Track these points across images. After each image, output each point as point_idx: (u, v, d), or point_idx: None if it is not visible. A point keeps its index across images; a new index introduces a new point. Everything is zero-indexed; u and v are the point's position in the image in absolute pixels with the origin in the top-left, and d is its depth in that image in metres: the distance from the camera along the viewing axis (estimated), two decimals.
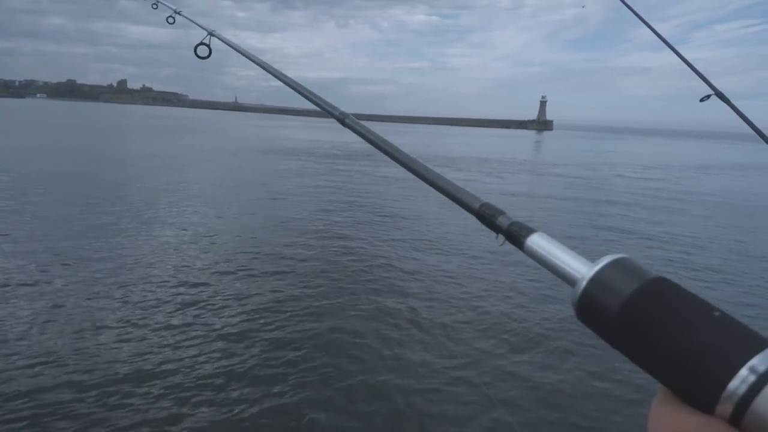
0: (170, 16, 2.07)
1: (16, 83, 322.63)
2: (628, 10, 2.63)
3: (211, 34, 1.63)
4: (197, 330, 5.21)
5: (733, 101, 2.46)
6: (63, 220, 9.30)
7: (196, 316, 5.57)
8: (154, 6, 2.25)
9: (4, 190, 11.90)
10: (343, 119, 0.93)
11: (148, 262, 7.29)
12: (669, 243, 9.91)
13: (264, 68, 1.26)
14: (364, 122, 0.82)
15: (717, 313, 0.31)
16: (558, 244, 0.41)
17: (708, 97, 2.43)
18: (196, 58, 1.62)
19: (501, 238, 0.49)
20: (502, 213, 0.52)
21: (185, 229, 9.32)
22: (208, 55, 1.63)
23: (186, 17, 1.94)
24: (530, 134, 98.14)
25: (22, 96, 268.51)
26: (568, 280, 0.38)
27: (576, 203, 14.63)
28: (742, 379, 0.27)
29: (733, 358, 0.28)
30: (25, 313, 5.36)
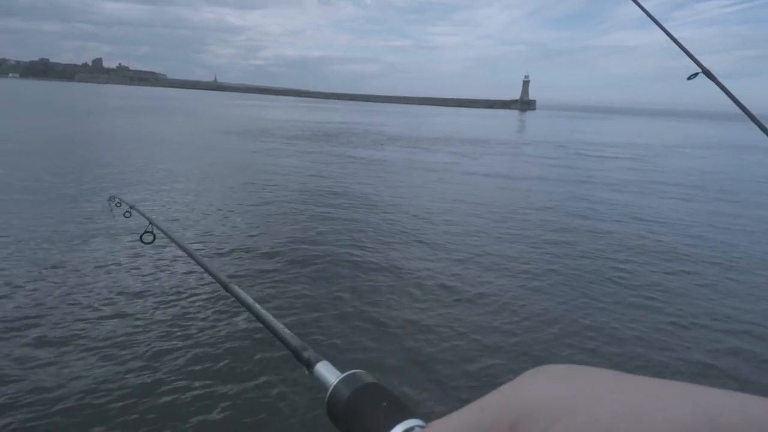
0: (127, 211, 2.44)
1: None
2: None
3: (152, 223, 1.93)
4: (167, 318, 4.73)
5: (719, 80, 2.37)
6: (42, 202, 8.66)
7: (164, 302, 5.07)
8: (117, 205, 2.66)
9: None
10: (227, 285, 1.07)
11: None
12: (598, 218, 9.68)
13: (194, 259, 1.34)
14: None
15: (385, 404, 0.47)
16: (330, 367, 0.61)
17: (695, 75, 2.47)
18: (141, 243, 1.92)
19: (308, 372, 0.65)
20: (307, 349, 0.69)
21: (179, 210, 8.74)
22: (152, 240, 1.91)
23: (139, 212, 2.26)
24: (513, 114, 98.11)
25: None
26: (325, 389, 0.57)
27: (544, 183, 14.36)
28: None
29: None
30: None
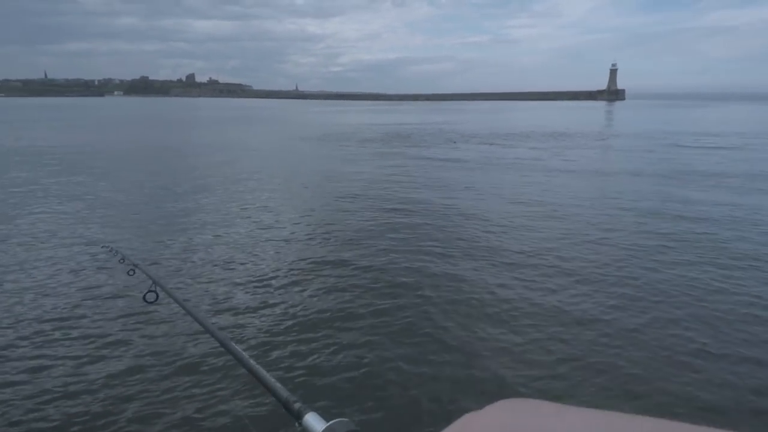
0: (130, 269, 2.45)
1: (95, 82, 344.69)
2: None
3: (156, 282, 1.91)
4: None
5: None
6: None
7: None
8: (121, 261, 2.71)
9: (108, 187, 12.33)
10: (224, 342, 1.10)
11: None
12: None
13: (204, 327, 1.32)
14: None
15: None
16: (318, 417, 0.69)
17: None
18: (145, 302, 1.89)
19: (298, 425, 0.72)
20: (297, 401, 0.75)
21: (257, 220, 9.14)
22: (156, 299, 1.88)
23: (142, 270, 2.28)
24: (600, 105, 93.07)
25: (101, 94, 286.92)
26: None
27: (635, 180, 13.28)
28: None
29: None
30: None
